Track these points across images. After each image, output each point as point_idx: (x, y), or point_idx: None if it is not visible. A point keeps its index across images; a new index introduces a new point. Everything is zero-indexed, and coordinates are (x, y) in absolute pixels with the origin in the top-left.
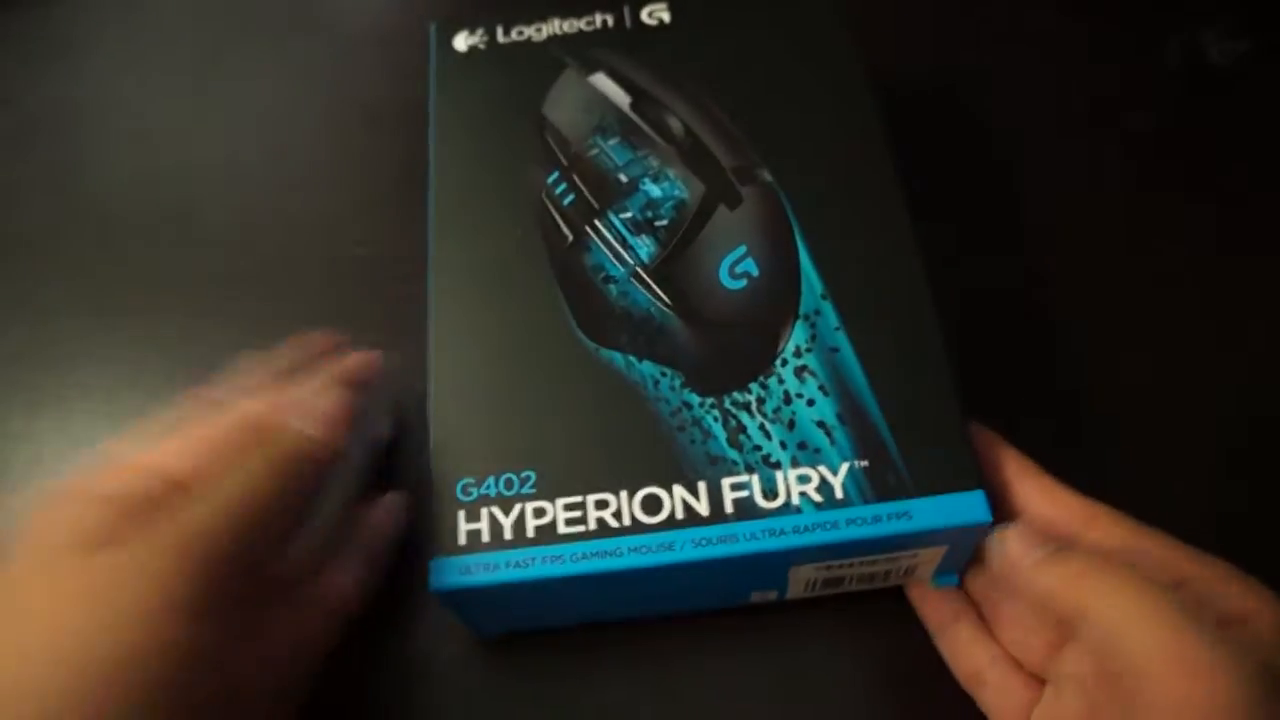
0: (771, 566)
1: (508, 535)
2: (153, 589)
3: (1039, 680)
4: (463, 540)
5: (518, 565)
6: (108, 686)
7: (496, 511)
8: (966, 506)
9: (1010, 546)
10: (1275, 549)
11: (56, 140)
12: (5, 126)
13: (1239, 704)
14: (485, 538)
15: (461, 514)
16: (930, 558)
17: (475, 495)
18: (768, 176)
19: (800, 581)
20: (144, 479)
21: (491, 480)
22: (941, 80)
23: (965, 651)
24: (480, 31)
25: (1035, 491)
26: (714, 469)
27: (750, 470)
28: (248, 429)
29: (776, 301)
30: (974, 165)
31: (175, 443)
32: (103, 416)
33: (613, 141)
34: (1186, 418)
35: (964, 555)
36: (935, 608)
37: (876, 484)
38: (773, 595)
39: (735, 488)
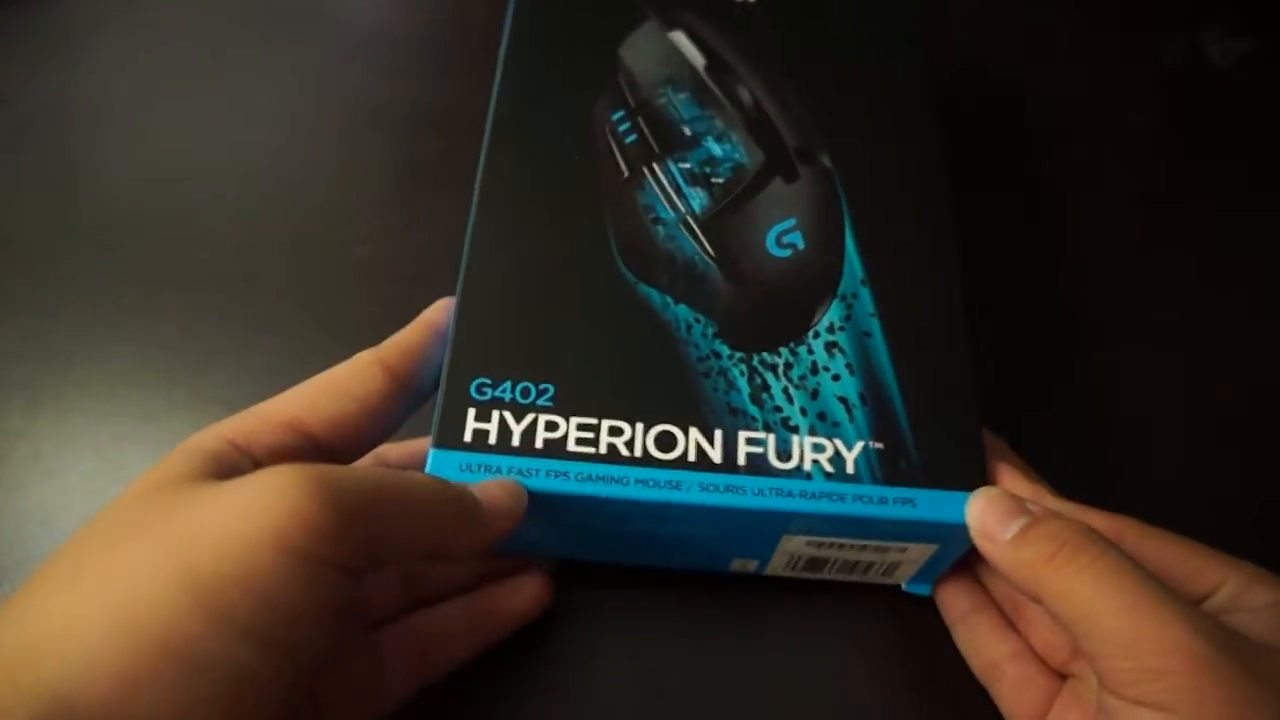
0: (767, 529)
1: (515, 442)
2: (257, 514)
3: (1061, 678)
4: (468, 437)
5: (521, 474)
6: (171, 625)
7: (508, 417)
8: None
9: (986, 514)
10: None
11: (55, 139)
12: (3, 125)
13: (1195, 671)
14: (492, 440)
15: (472, 411)
16: (917, 556)
17: (489, 396)
18: (827, 161)
19: (785, 555)
20: (284, 432)
21: (509, 385)
22: (939, 80)
23: (985, 642)
24: None
25: (1015, 477)
26: (732, 420)
27: (768, 429)
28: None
29: (818, 277)
30: (973, 165)
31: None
32: (102, 415)
33: (682, 96)
34: (1184, 417)
35: (946, 562)
36: (956, 597)
37: (888, 467)
38: (752, 566)
39: (751, 442)
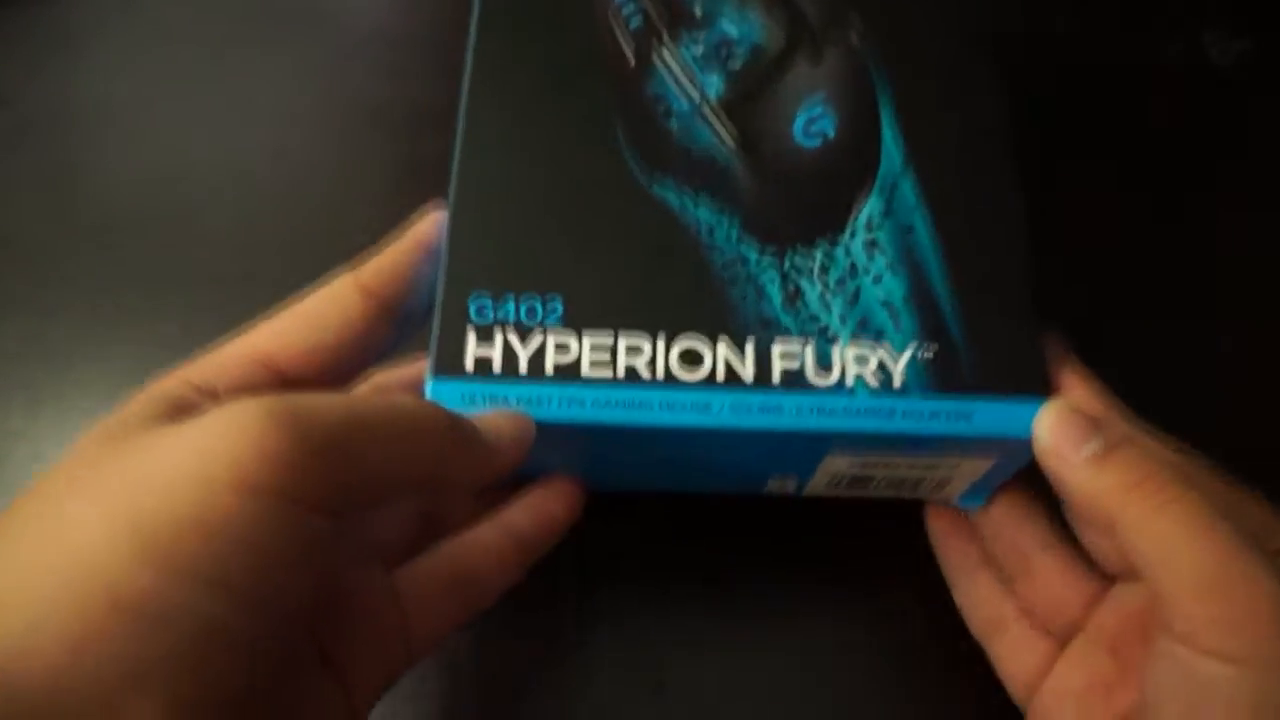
0: (808, 449)
1: (523, 368)
2: (213, 451)
3: (1061, 643)
4: (470, 365)
5: (532, 403)
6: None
7: (513, 338)
8: (1030, 416)
9: (1057, 431)
10: None
11: (55, 139)
12: (4, 125)
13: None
14: (496, 367)
15: (472, 335)
16: (971, 471)
17: (491, 316)
18: (856, 38)
19: (827, 474)
20: (250, 368)
21: (511, 302)
22: None
23: (987, 597)
24: None
25: (1087, 393)
26: (765, 331)
27: (805, 339)
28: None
29: (852, 167)
30: None
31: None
32: (103, 415)
33: None
34: (1181, 417)
35: (1004, 475)
36: (959, 548)
37: (939, 377)
38: (792, 485)
39: (786, 355)
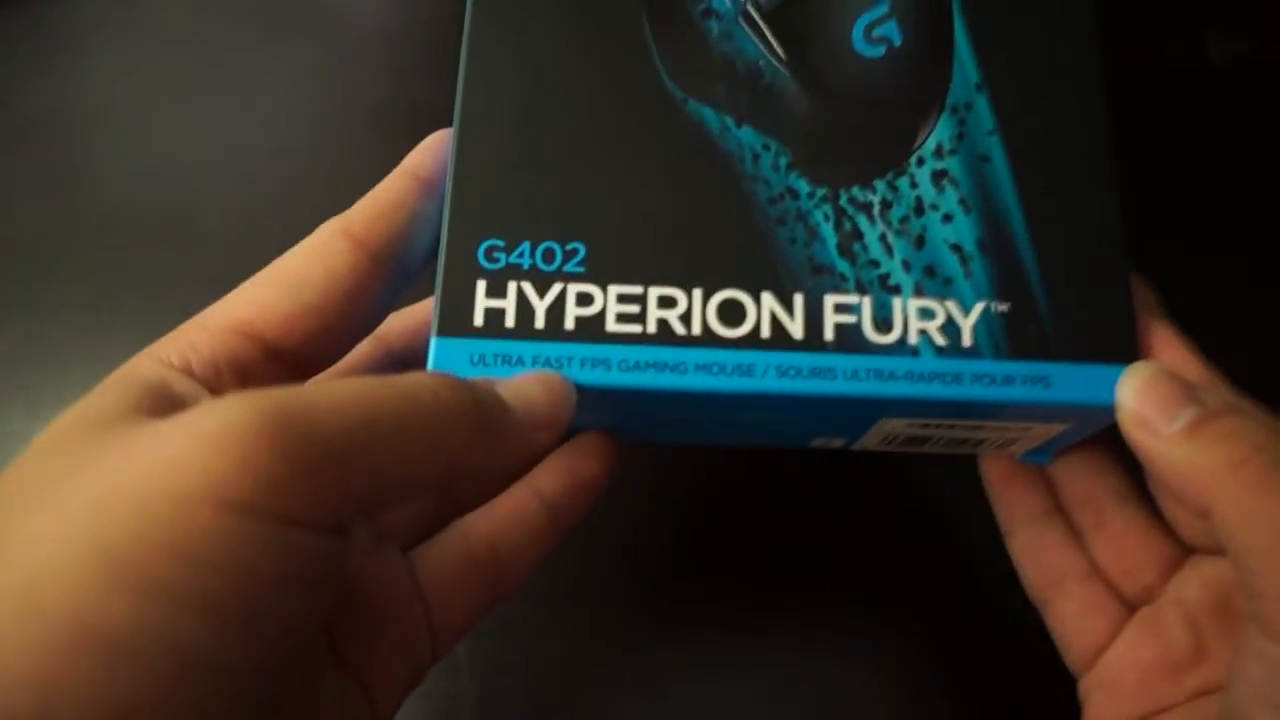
0: (862, 414)
1: (539, 323)
2: (190, 464)
3: (1130, 610)
4: (479, 320)
5: (549, 363)
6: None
7: (528, 289)
8: (1115, 383)
9: (1146, 396)
10: None
11: (55, 139)
12: (4, 125)
13: None
14: (510, 321)
15: (482, 285)
16: (1041, 434)
17: (503, 263)
18: None
19: (881, 433)
20: (230, 339)
21: (527, 247)
22: None
23: (1051, 554)
24: None
25: (1176, 350)
26: (817, 280)
27: (862, 290)
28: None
29: (920, 81)
30: None
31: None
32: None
33: None
34: None
35: (1076, 437)
36: (1016, 499)
37: (1014, 336)
38: (839, 443)
39: (840, 309)
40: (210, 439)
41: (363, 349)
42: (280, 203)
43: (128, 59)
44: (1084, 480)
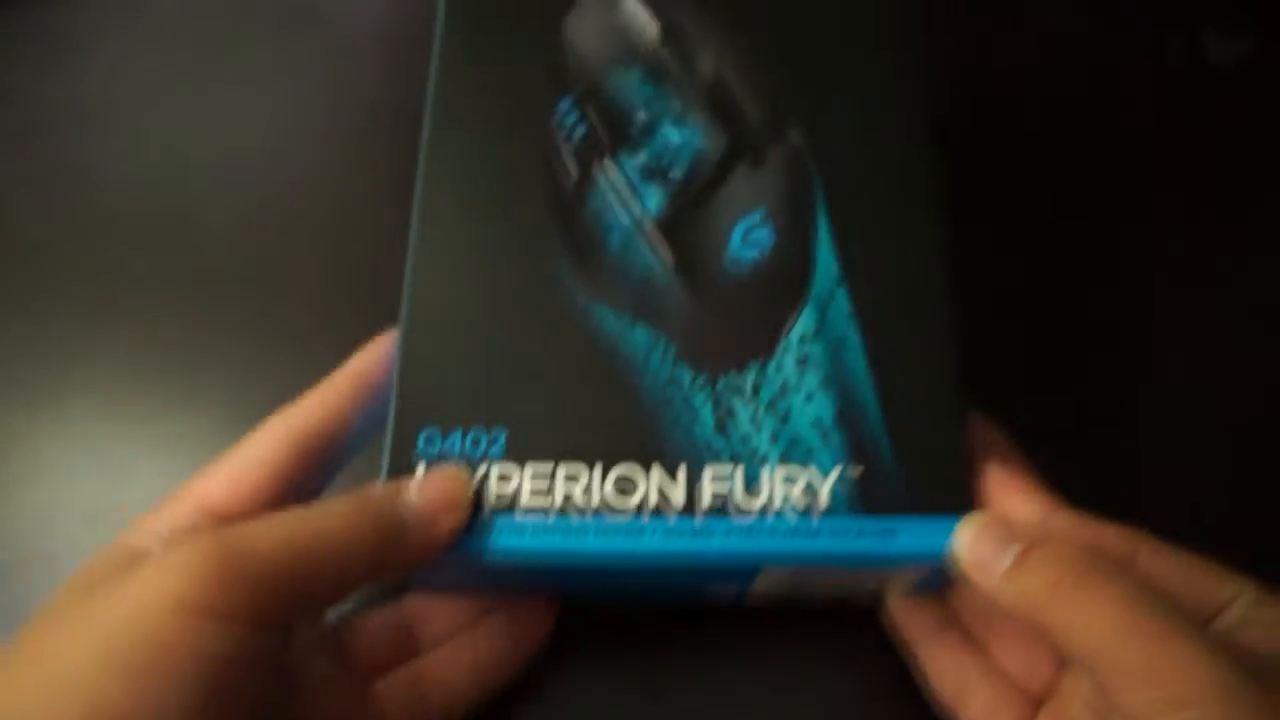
0: (740, 567)
1: None
2: (158, 581)
3: (1036, 704)
4: None
5: (472, 533)
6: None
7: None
8: (950, 532)
9: (974, 546)
10: None
11: (55, 139)
12: (5, 125)
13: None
14: None
15: (421, 466)
16: (905, 580)
17: (438, 449)
18: (797, 139)
19: (765, 585)
20: (192, 515)
21: (458, 435)
22: (937, 78)
23: (952, 665)
24: None
25: (1010, 488)
26: (697, 455)
27: (735, 462)
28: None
29: (788, 279)
30: (969, 163)
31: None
32: (102, 416)
33: (635, 74)
34: (1185, 417)
35: (940, 582)
36: (916, 616)
37: (867, 495)
38: (733, 593)
39: (716, 479)
40: (170, 562)
41: None
42: (279, 202)
43: (128, 59)
44: (969, 594)
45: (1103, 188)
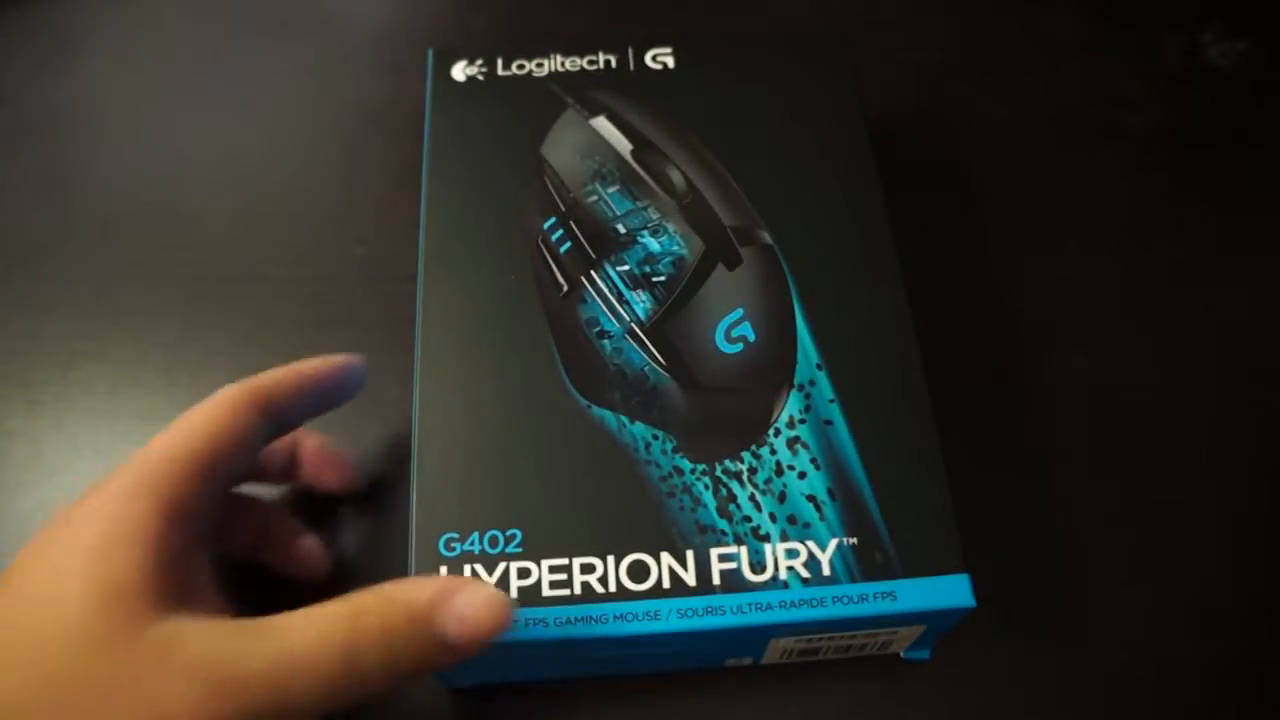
0: (753, 637)
1: None
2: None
3: None
4: None
5: None
6: None
7: (480, 569)
8: (951, 590)
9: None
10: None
11: (55, 138)
12: (4, 125)
13: None
14: None
15: (444, 568)
16: (908, 634)
17: (459, 550)
18: (767, 238)
19: (777, 650)
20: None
21: (476, 536)
22: (939, 79)
23: None
24: (479, 62)
25: None
26: (702, 538)
27: (739, 542)
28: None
29: (772, 369)
30: (971, 164)
31: None
32: (103, 415)
33: (613, 190)
34: (1183, 420)
35: (941, 632)
36: None
37: (864, 563)
38: (748, 661)
39: (723, 559)
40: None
41: None
42: (280, 202)
43: (128, 60)
44: None
45: (1102, 188)
